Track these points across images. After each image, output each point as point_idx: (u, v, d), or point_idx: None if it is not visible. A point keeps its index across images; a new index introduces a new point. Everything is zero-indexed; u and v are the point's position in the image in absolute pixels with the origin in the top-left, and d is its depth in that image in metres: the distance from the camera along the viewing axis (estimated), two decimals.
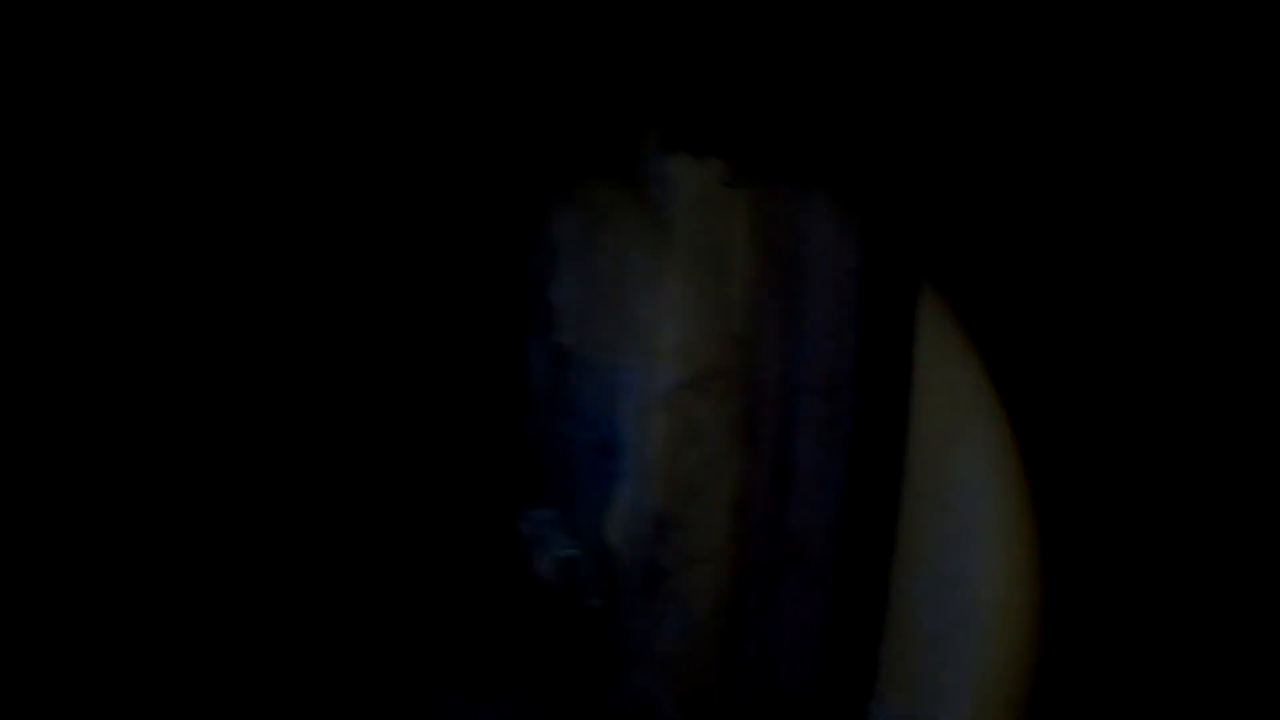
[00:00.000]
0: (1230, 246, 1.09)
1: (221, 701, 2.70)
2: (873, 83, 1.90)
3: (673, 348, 2.39)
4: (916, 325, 1.65)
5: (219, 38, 2.59)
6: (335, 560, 3.27)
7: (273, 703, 2.76)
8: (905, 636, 1.56)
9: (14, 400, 2.61)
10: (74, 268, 2.66)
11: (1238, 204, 1.08)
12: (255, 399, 3.16)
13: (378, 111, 2.92)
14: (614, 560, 2.63)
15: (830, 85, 2.00)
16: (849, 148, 2.02)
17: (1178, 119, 1.15)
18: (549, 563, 3.06)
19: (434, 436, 3.38)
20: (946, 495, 1.44)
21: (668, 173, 2.36)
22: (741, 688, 2.57)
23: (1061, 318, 1.24)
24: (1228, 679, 1.12)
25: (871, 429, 2.48)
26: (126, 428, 2.91)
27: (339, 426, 3.34)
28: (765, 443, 2.41)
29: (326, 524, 3.30)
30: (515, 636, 3.17)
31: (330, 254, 3.15)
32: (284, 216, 3.03)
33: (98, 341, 2.77)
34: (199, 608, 2.99)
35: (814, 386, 2.44)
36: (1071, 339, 1.25)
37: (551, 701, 2.88)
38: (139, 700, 2.59)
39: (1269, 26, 1.05)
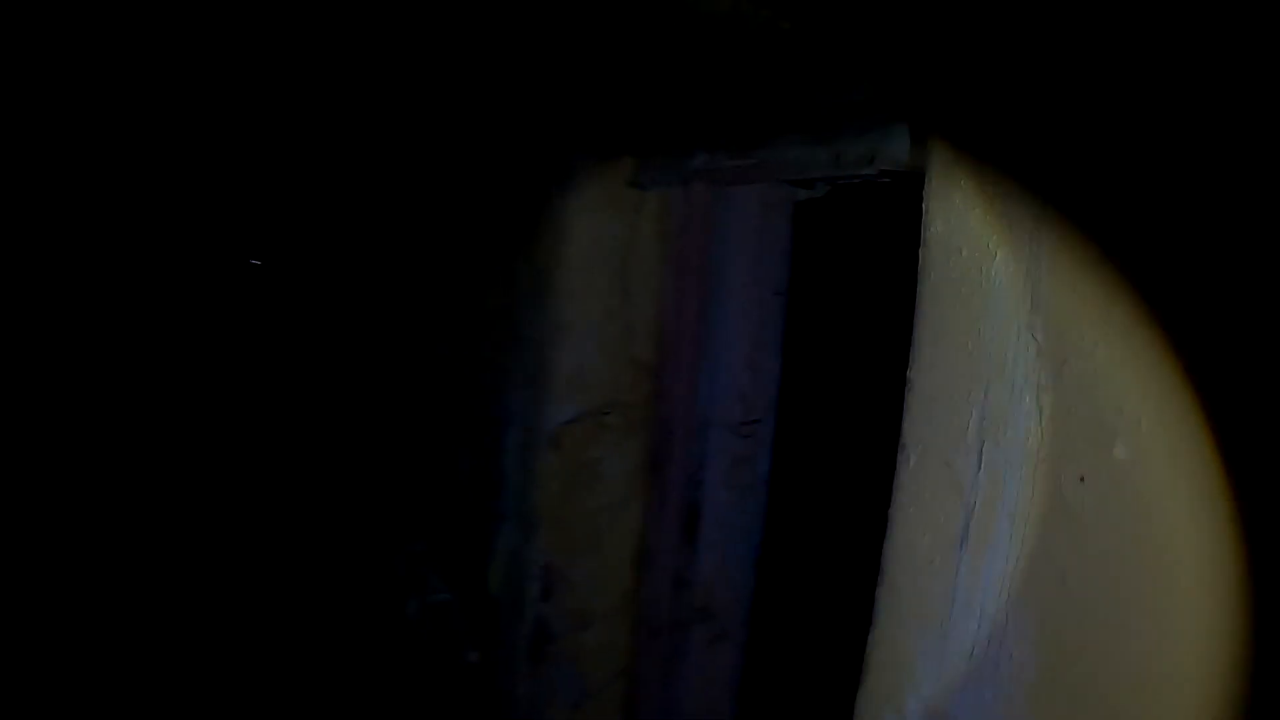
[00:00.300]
0: None
1: None
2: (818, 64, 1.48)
3: (566, 375, 1.93)
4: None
5: None
6: (186, 592, 2.69)
7: None
8: None
9: None
10: None
11: None
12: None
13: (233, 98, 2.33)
14: (496, 612, 2.16)
15: (764, 66, 1.57)
16: (781, 143, 1.61)
17: None
18: (418, 606, 2.57)
19: (304, 455, 2.81)
20: (946, 613, 1.05)
21: (566, 175, 1.90)
22: None
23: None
24: None
25: (793, 469, 2.11)
26: None
27: (204, 444, 2.75)
28: (672, 486, 1.99)
29: (181, 546, 2.71)
30: (387, 685, 2.65)
31: (196, 261, 2.56)
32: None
33: None
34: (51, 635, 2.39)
35: (726, 420, 2.04)
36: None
37: None
38: None
39: None
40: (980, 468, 1.04)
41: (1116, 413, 0.91)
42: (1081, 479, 0.95)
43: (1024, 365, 0.98)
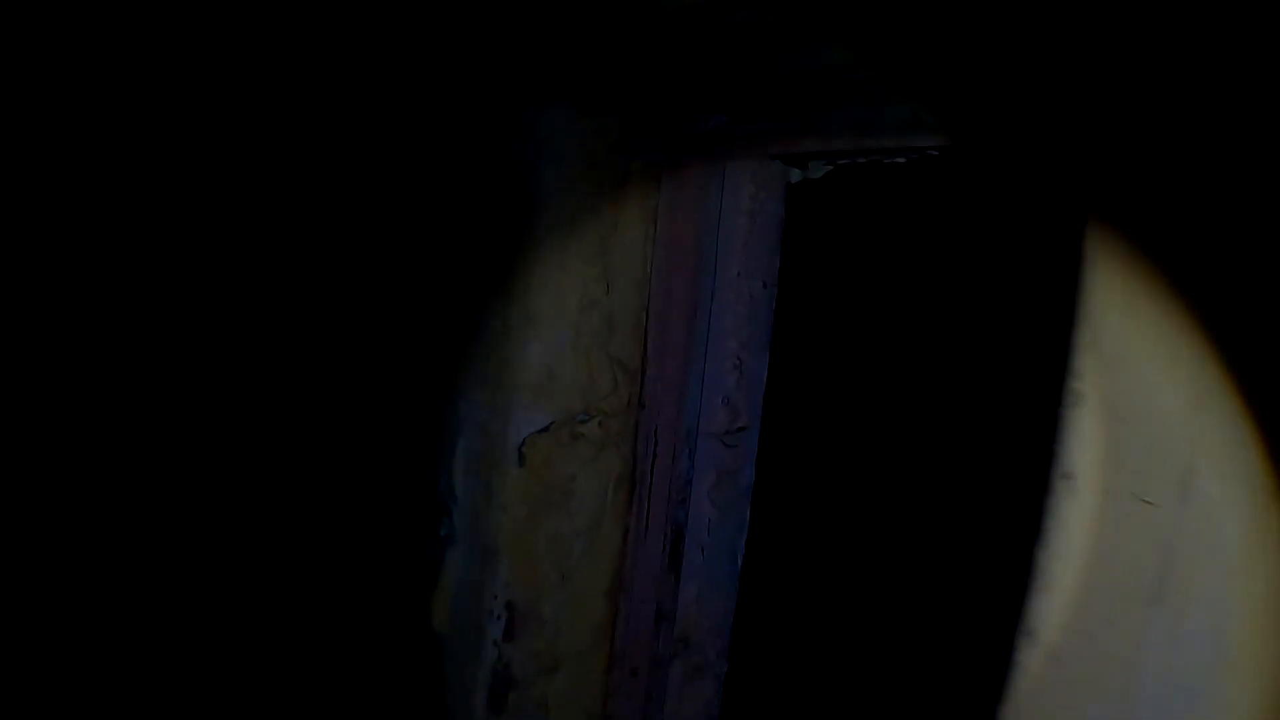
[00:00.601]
0: None
1: None
2: None
3: (535, 376, 1.62)
4: None
5: None
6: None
7: None
8: None
9: None
10: None
11: None
12: None
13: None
14: (441, 651, 1.83)
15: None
16: (843, 101, 1.35)
17: None
18: (345, 634, 2.19)
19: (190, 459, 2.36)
20: (1129, 686, 0.82)
21: (540, 132, 1.58)
22: None
23: None
24: None
25: (782, 481, 1.87)
26: None
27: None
28: (656, 506, 1.72)
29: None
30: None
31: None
32: None
33: None
34: None
35: (713, 428, 1.78)
36: None
37: None
38: None
39: None
40: (1184, 503, 0.81)
41: None
42: None
43: None
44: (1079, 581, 0.87)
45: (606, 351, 1.65)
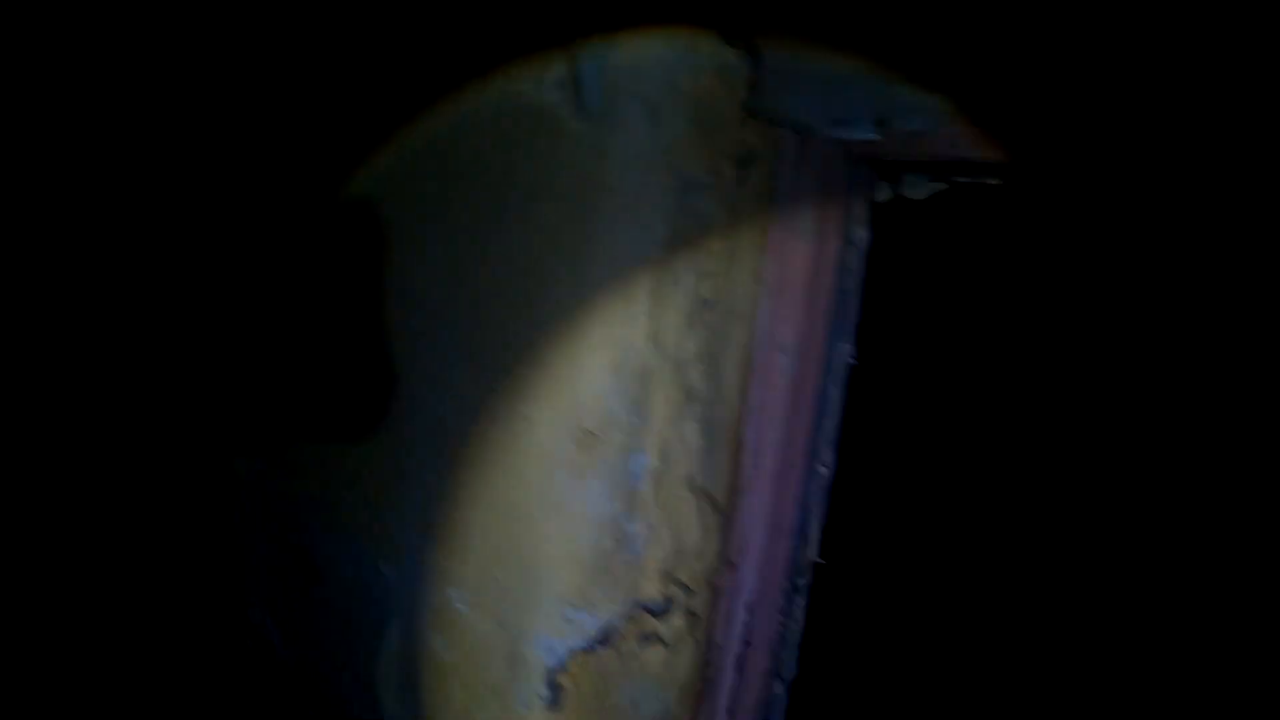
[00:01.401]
0: None
1: None
2: None
3: (587, 549, 0.81)
4: None
5: None
6: None
7: None
8: None
9: None
10: None
11: None
12: None
13: None
14: None
15: None
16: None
17: None
18: None
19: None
20: None
21: (619, 55, 0.75)
22: None
23: None
24: None
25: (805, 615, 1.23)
26: None
27: None
28: (743, 714, 1.00)
29: None
30: None
31: None
32: None
33: None
34: None
35: (785, 573, 1.09)
36: None
37: None
38: None
39: None
40: None
41: None
42: None
43: None
44: None
45: (697, 483, 0.90)
